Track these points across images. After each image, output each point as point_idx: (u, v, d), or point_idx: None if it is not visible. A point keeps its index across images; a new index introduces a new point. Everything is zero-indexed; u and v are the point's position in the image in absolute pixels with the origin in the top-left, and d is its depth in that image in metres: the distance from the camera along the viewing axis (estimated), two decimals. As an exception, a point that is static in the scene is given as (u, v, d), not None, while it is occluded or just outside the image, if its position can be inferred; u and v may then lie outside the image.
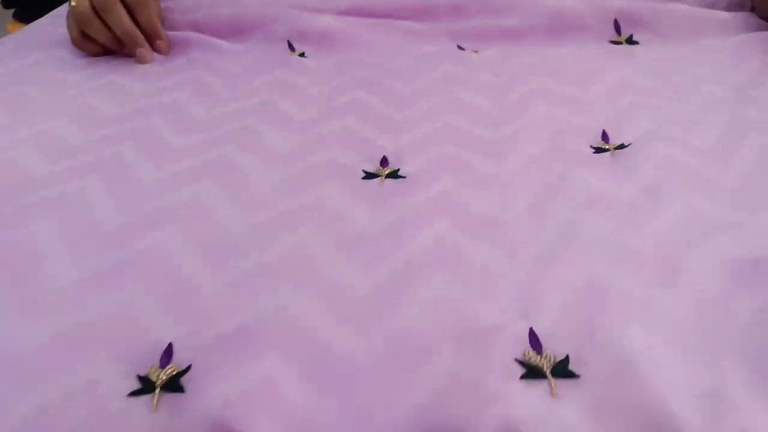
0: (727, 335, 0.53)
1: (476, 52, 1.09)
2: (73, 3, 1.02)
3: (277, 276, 0.61)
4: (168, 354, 0.53)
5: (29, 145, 0.84)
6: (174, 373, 0.51)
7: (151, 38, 1.07)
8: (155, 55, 1.08)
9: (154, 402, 0.49)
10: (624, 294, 0.57)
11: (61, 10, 1.36)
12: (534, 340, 0.53)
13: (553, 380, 0.50)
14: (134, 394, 0.49)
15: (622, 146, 0.81)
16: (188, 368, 0.51)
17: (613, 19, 1.10)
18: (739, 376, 0.49)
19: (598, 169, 0.76)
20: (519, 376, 0.50)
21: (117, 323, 0.55)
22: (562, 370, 0.51)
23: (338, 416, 0.47)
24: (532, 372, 0.51)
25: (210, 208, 0.71)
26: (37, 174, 0.77)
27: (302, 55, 1.09)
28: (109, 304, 0.57)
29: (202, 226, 0.68)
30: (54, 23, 1.25)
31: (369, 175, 0.78)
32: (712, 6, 1.16)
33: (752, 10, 1.14)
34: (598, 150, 0.81)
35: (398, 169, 0.78)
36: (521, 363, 0.51)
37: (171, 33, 1.13)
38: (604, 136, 0.83)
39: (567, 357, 0.52)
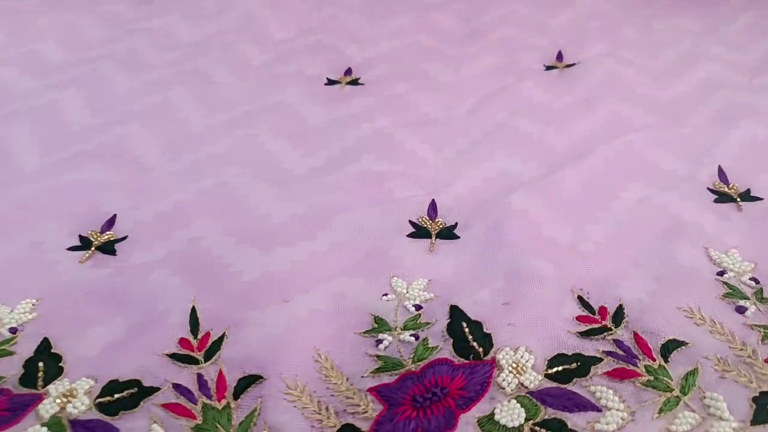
0: (603, 212, 0.61)
1: None
2: None
3: (225, 162, 0.71)
4: (110, 223, 0.64)
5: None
6: (111, 239, 0.62)
7: None
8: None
9: (85, 256, 0.60)
10: (528, 179, 0.66)
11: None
12: (432, 209, 0.64)
13: (434, 240, 0.60)
14: (72, 249, 0.61)
15: (572, 65, 0.86)
16: (124, 238, 0.63)
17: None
18: (598, 238, 0.59)
19: (543, 83, 0.82)
20: (407, 233, 0.61)
21: (70, 197, 0.67)
22: (447, 233, 0.61)
23: (250, 262, 0.58)
24: (419, 232, 0.61)
25: (176, 109, 0.81)
26: (18, 87, 0.87)
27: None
28: (65, 182, 0.69)
29: (165, 124, 0.78)
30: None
31: (331, 82, 0.85)
32: None
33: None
34: (549, 68, 0.86)
35: (359, 78, 0.86)
36: (413, 224, 0.62)
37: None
38: (559, 56, 0.88)
39: (456, 224, 0.62)
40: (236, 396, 0.47)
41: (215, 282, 0.56)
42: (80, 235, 0.62)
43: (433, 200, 0.65)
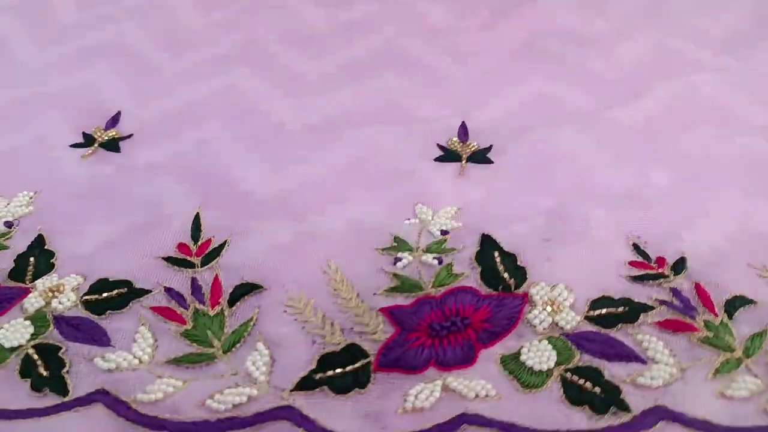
0: (668, 155, 0.54)
1: None
2: None
3: (231, 63, 0.67)
4: (114, 120, 0.61)
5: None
6: (115, 136, 0.59)
7: None
8: None
9: (88, 152, 0.58)
10: (575, 110, 0.59)
11: None
12: (462, 131, 0.58)
13: (464, 163, 0.55)
14: (75, 146, 0.58)
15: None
16: (130, 136, 0.59)
17: None
18: (662, 183, 0.52)
19: (567, 2, 0.74)
20: (433, 158, 0.56)
21: (75, 93, 0.64)
22: (481, 156, 0.56)
23: (257, 172, 0.54)
24: (448, 155, 0.56)
25: (170, 7, 0.76)
26: None
27: None
28: (70, 79, 0.66)
29: (161, 22, 0.74)
30: None
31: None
32: None
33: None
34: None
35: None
36: (441, 147, 0.57)
37: None
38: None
39: (490, 146, 0.56)
40: (231, 303, 0.43)
41: (223, 192, 0.52)
42: (84, 132, 0.59)
43: (464, 122, 0.59)
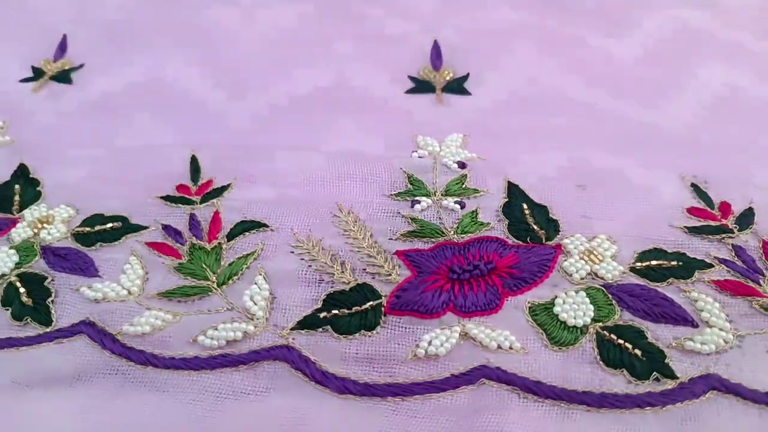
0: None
1: None
2: None
3: None
4: (62, 48, 0.60)
5: None
6: (66, 67, 0.58)
7: None
8: None
9: (37, 85, 0.56)
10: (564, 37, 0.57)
11: None
12: (435, 54, 0.55)
13: (441, 93, 0.52)
14: (24, 80, 0.57)
15: None
16: (81, 66, 0.58)
17: None
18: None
19: None
20: (406, 90, 0.53)
21: (16, 18, 0.62)
22: (457, 86, 0.53)
23: (228, 104, 0.52)
24: (420, 86, 0.53)
25: None
26: None
27: None
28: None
29: None
30: None
31: None
32: None
33: None
34: None
35: None
36: (413, 79, 0.54)
37: None
38: None
39: (467, 75, 0.54)
40: (231, 237, 0.41)
41: (197, 123, 0.51)
42: (33, 66, 0.58)
43: (436, 43, 0.56)
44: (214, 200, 0.43)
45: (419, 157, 0.46)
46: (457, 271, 0.36)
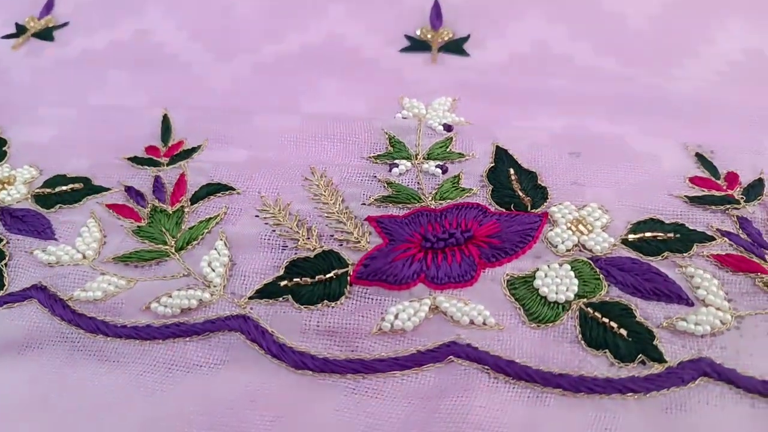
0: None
1: None
2: None
3: None
4: (48, 7, 0.57)
5: None
6: (49, 25, 0.55)
7: None
8: None
9: (18, 42, 0.54)
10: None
11: None
12: (435, 13, 0.52)
13: (436, 53, 0.49)
14: (6, 37, 0.55)
15: None
16: (65, 24, 0.55)
17: None
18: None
19: None
20: (401, 48, 0.50)
21: None
22: (455, 47, 0.50)
23: (213, 67, 0.50)
24: (416, 45, 0.50)
25: None
26: None
27: None
28: None
29: None
30: None
31: None
32: None
33: None
34: None
35: None
36: (409, 38, 0.51)
37: None
38: None
39: (468, 36, 0.51)
40: (194, 201, 0.38)
41: (176, 83, 0.48)
42: (17, 23, 0.56)
43: (437, 2, 0.53)
44: (182, 162, 0.41)
45: (403, 118, 0.43)
46: (431, 240, 0.34)
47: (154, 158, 0.42)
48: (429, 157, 0.40)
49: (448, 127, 0.41)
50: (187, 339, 0.32)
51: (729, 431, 0.28)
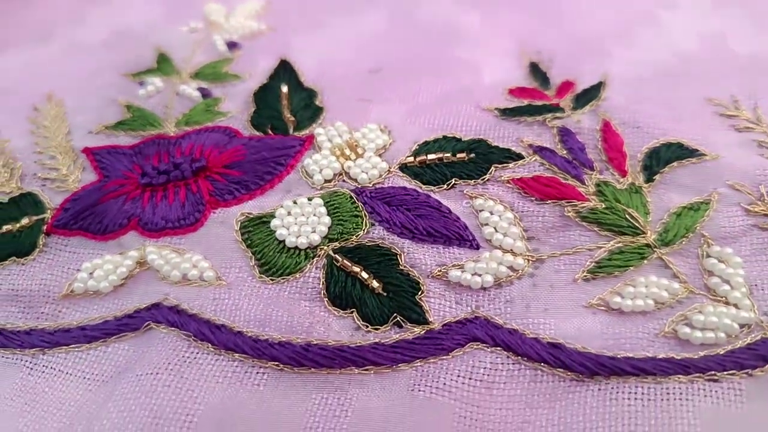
0: None
1: None
2: None
3: None
4: None
5: None
6: None
7: None
8: None
9: None
10: None
11: None
12: None
13: None
14: None
15: None
16: None
17: None
18: None
19: None
20: None
21: None
22: None
23: None
24: None
25: None
26: None
27: None
28: None
29: None
30: None
31: None
32: None
33: None
34: None
35: None
36: None
37: None
38: None
39: None
40: None
41: None
42: None
43: None
44: None
45: (191, 32, 0.36)
46: (150, 174, 0.27)
47: None
48: (195, 76, 0.33)
49: (232, 45, 0.35)
50: None
51: (497, 414, 0.21)
